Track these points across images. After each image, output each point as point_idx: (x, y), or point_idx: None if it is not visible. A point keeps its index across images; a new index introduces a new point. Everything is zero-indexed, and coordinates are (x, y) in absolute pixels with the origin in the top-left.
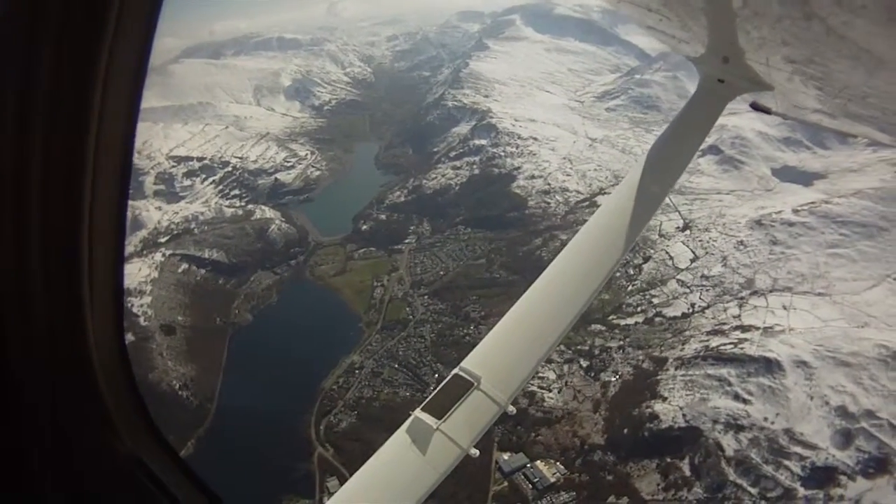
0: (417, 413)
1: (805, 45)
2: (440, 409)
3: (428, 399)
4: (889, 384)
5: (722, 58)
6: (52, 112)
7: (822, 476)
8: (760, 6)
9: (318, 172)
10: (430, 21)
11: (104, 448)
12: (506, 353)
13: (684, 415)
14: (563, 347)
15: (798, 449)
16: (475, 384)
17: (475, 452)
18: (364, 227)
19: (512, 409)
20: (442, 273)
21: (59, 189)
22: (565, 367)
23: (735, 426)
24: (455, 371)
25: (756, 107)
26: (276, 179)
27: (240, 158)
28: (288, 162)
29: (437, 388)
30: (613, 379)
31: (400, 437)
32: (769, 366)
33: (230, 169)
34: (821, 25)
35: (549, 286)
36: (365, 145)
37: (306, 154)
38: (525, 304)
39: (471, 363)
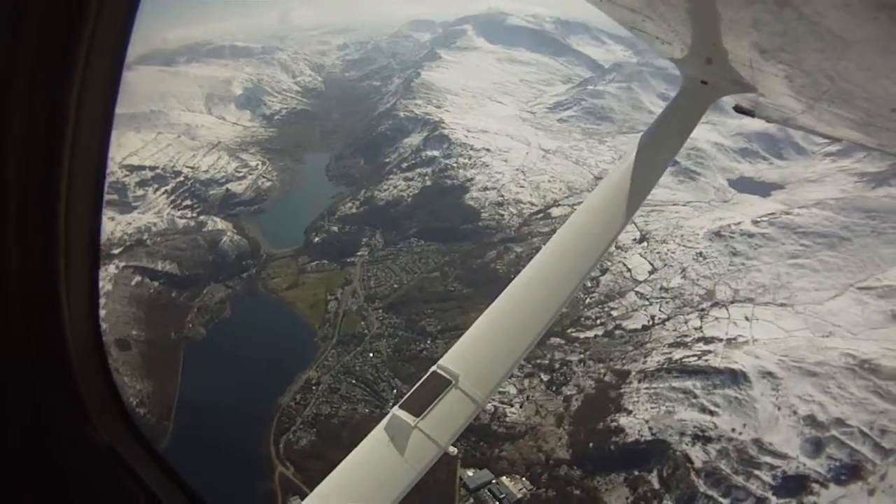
0: (395, 410)
1: (787, 43)
2: (418, 407)
3: (406, 396)
4: (857, 392)
5: (705, 59)
6: (28, 114)
7: (794, 485)
8: (742, 4)
9: (269, 183)
10: (382, 30)
11: (81, 439)
12: (484, 350)
13: (650, 428)
14: (522, 362)
15: (768, 459)
16: (453, 382)
17: (453, 450)
18: (316, 239)
19: (489, 407)
20: (396, 286)
21: (35, 190)
22: (526, 382)
23: (703, 438)
24: (433, 368)
25: (740, 109)
26: (227, 190)
27: (191, 168)
28: (239, 172)
29: (416, 386)
30: (575, 393)
31: (378, 434)
32: (735, 377)
33: (182, 179)
34: (801, 21)
35: (528, 284)
36: (315, 155)
37: (257, 164)
38: (505, 301)
39: (449, 361)
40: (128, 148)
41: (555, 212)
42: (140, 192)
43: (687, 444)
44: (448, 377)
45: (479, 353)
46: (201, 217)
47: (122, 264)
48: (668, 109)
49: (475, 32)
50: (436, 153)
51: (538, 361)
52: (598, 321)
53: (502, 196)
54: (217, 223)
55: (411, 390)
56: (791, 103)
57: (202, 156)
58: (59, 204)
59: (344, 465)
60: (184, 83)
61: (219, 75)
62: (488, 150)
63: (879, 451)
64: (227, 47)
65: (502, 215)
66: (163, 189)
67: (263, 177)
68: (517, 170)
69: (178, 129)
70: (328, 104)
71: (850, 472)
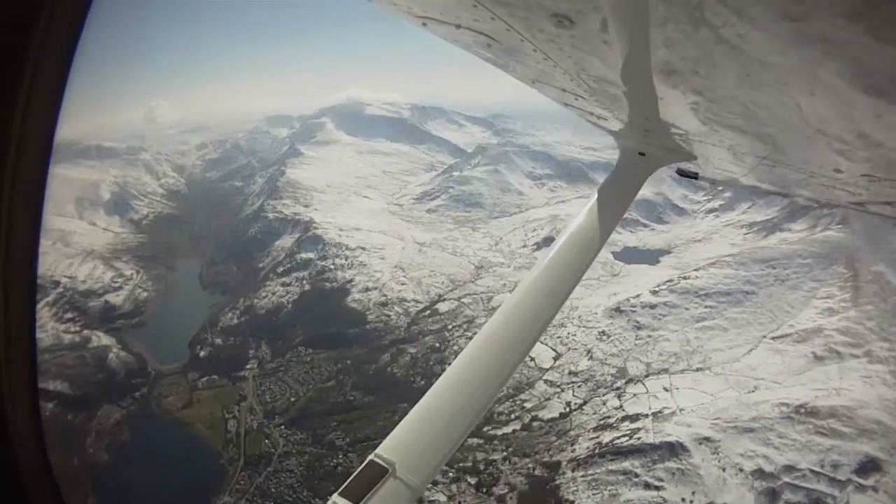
0: (335, 497)
1: (726, 113)
2: (356, 495)
3: (346, 484)
4: (800, 437)
5: (642, 131)
6: None
7: None
8: (679, 78)
9: (145, 293)
10: (238, 127)
11: None
12: (421, 437)
13: None
14: (444, 467)
15: None
16: (390, 471)
17: None
18: (202, 352)
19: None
20: (293, 399)
21: None
22: (454, 487)
23: None
24: (371, 457)
25: (683, 173)
26: (106, 301)
27: (70, 278)
28: (115, 282)
29: (354, 474)
30: (508, 491)
31: None
32: (672, 449)
33: (62, 290)
34: (740, 90)
35: (464, 369)
36: (187, 262)
37: (132, 273)
38: (441, 386)
39: (386, 449)
40: None
41: (442, 307)
42: None
43: None
44: (385, 465)
45: (414, 439)
46: (85, 332)
47: None
48: (606, 184)
49: (334, 125)
50: (311, 255)
51: (461, 465)
52: (513, 415)
53: (385, 296)
54: (101, 338)
55: (350, 478)
56: (733, 167)
57: (78, 264)
58: None
59: None
60: (55, 186)
61: (87, 177)
62: (364, 248)
63: (836, 483)
64: (94, 147)
65: (388, 316)
66: (45, 301)
67: (139, 287)
68: (396, 267)
69: (53, 234)
70: (193, 207)
71: None
